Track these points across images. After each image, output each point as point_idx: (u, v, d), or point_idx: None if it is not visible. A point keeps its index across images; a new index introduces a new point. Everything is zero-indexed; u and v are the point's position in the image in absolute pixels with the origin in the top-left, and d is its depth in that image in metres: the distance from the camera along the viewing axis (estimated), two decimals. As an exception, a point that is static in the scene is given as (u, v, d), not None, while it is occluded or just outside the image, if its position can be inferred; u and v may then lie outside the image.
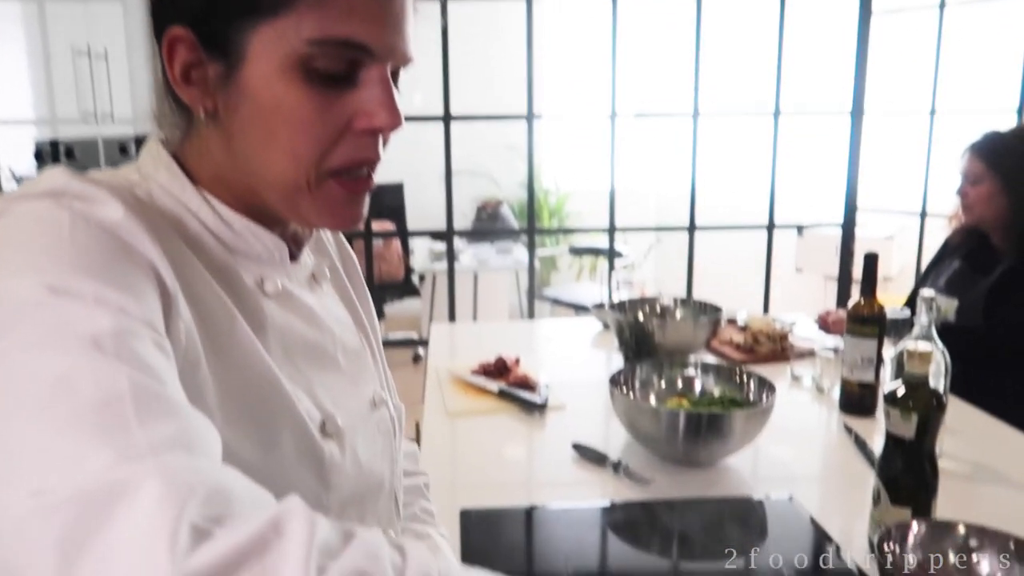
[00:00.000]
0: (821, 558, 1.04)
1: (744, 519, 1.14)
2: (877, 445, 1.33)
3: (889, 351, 1.51)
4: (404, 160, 4.54)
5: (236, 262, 0.59)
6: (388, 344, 3.75)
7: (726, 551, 1.07)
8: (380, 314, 4.58)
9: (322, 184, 0.57)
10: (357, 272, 0.80)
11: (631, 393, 1.38)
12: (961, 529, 0.90)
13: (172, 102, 0.59)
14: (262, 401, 0.56)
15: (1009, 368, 1.73)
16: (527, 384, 1.59)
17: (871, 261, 1.48)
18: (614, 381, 1.34)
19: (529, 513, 1.14)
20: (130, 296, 0.46)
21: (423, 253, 4.46)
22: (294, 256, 0.66)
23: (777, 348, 1.84)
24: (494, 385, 1.59)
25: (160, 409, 0.41)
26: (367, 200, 0.61)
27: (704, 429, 1.20)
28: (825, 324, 1.95)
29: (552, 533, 1.10)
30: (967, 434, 1.40)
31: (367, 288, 0.81)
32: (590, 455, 1.29)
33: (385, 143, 0.60)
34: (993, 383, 1.61)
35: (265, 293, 0.60)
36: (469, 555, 1.02)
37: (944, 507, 0.98)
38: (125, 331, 0.43)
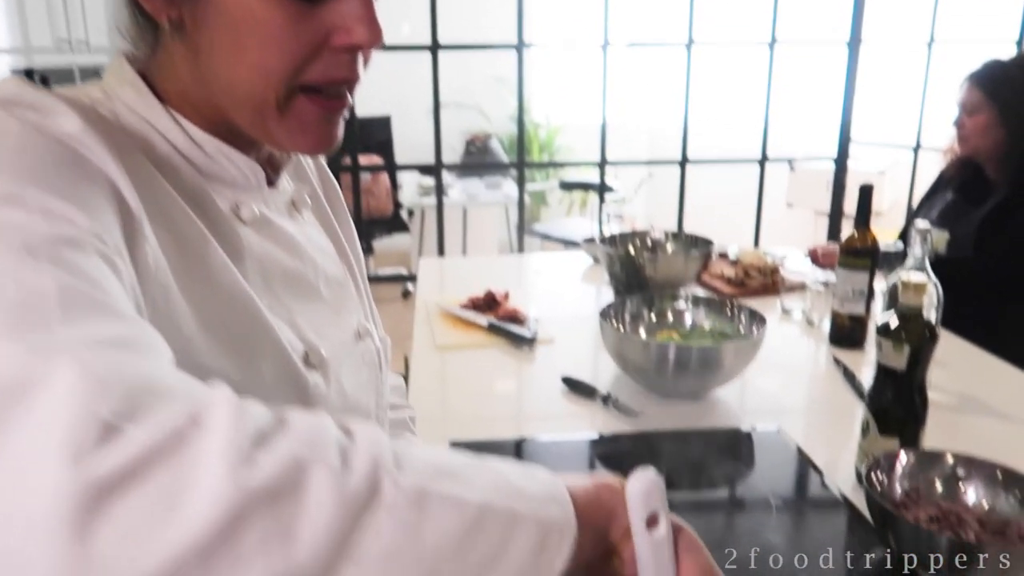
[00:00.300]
0: (807, 487, 1.05)
1: (732, 450, 1.14)
2: (866, 378, 1.33)
3: (880, 284, 1.51)
4: (391, 93, 4.44)
5: (209, 187, 0.56)
6: (377, 280, 3.73)
7: (713, 482, 1.07)
8: (369, 250, 4.54)
9: (293, 102, 0.54)
10: (340, 201, 0.77)
11: (621, 326, 1.37)
12: (949, 459, 0.90)
13: (136, 13, 0.55)
14: (241, 331, 0.53)
15: (998, 300, 1.73)
16: (516, 318, 1.58)
17: (866, 192, 1.45)
18: (604, 314, 1.33)
19: (518, 445, 1.14)
20: (80, 209, 0.42)
21: (411, 188, 4.41)
22: (271, 181, 0.63)
23: (768, 282, 1.83)
24: (483, 319, 1.58)
25: (92, 311, 0.38)
26: (342, 122, 0.57)
27: (694, 362, 1.20)
28: (816, 258, 1.94)
29: (540, 465, 1.10)
30: (955, 366, 1.40)
31: (351, 219, 0.78)
32: (579, 388, 1.29)
33: (366, 62, 0.57)
34: (982, 315, 1.61)
35: (241, 219, 0.57)
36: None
37: (931, 438, 0.98)
38: (66, 240, 0.40)
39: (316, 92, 0.54)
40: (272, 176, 0.63)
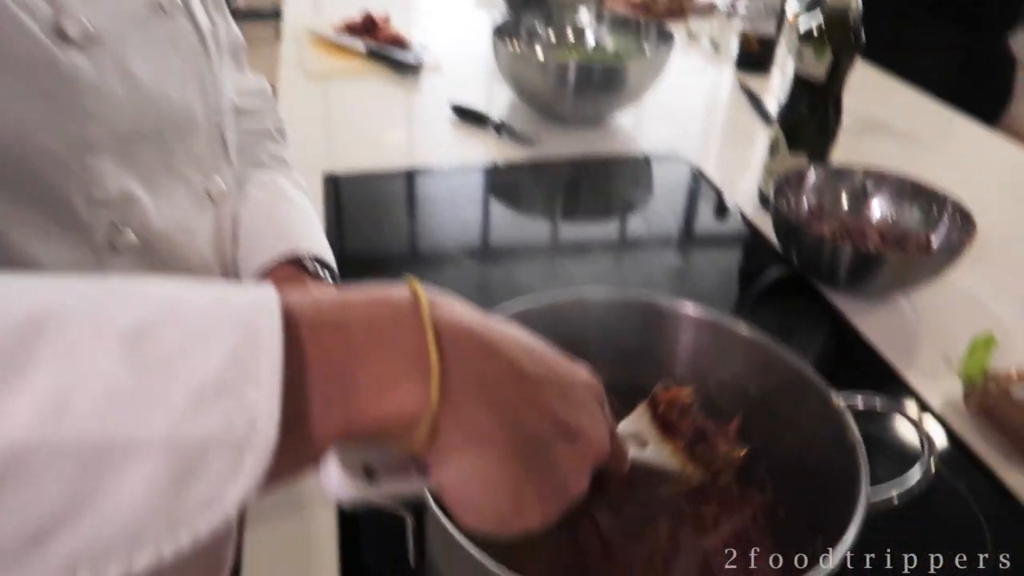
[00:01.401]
0: (708, 211, 1.00)
1: (630, 176, 1.08)
2: (771, 104, 1.27)
3: (792, 6, 1.40)
4: None
5: None
6: (242, 16, 3.33)
7: (611, 209, 1.01)
8: (234, -16, 4.01)
9: None
10: None
11: (516, 46, 1.23)
12: (859, 173, 0.86)
13: None
14: None
15: (908, 22, 1.66)
16: (399, 43, 1.40)
17: None
18: (498, 32, 1.17)
19: (409, 176, 1.04)
20: None
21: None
22: None
23: (674, 6, 1.69)
24: (361, 44, 1.39)
25: None
26: None
27: (595, 81, 1.09)
28: None
29: (430, 198, 1.01)
30: (858, 88, 1.35)
31: None
32: (471, 117, 1.17)
33: None
34: (888, 38, 1.55)
35: None
36: (338, 224, 0.92)
37: (834, 158, 0.94)
38: None
39: None
40: None
